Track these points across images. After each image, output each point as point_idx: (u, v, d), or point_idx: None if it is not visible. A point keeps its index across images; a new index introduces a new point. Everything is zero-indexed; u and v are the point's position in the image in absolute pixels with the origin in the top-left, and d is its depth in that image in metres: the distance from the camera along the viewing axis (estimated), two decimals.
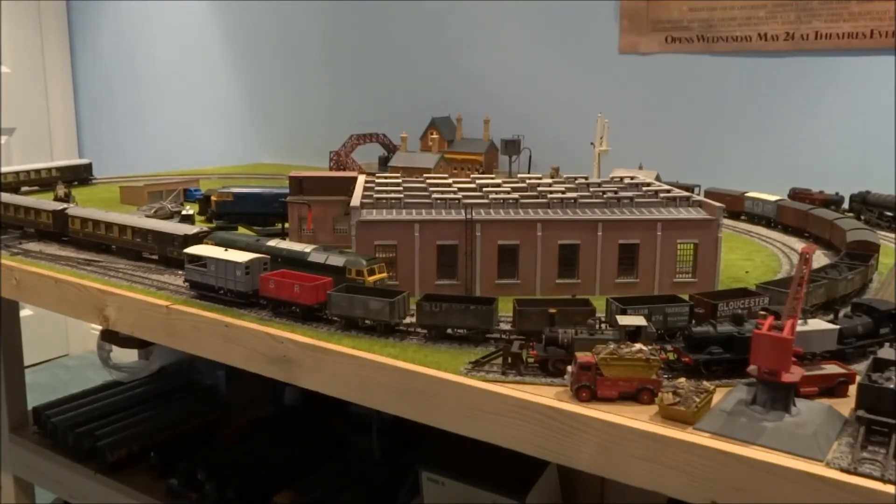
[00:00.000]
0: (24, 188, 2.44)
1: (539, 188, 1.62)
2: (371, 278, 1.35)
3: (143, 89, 4.05)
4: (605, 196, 1.55)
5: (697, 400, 0.96)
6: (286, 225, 1.82)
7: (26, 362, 2.43)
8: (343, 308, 1.28)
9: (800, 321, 1.04)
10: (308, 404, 2.34)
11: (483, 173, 2.24)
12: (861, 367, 1.07)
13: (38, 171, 2.50)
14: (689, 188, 1.87)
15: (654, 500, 1.08)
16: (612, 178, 1.85)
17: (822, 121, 2.33)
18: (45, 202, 1.96)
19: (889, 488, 0.81)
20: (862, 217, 1.96)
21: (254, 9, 3.52)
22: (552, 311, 1.17)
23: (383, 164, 2.57)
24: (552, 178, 1.87)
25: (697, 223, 1.46)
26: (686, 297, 1.25)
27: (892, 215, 1.92)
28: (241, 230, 1.87)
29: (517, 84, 2.82)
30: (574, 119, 2.60)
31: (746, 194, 2.10)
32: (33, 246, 1.85)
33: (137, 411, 2.32)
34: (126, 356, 2.61)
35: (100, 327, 1.69)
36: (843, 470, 0.84)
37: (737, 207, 2.10)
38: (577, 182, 1.73)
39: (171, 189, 2.29)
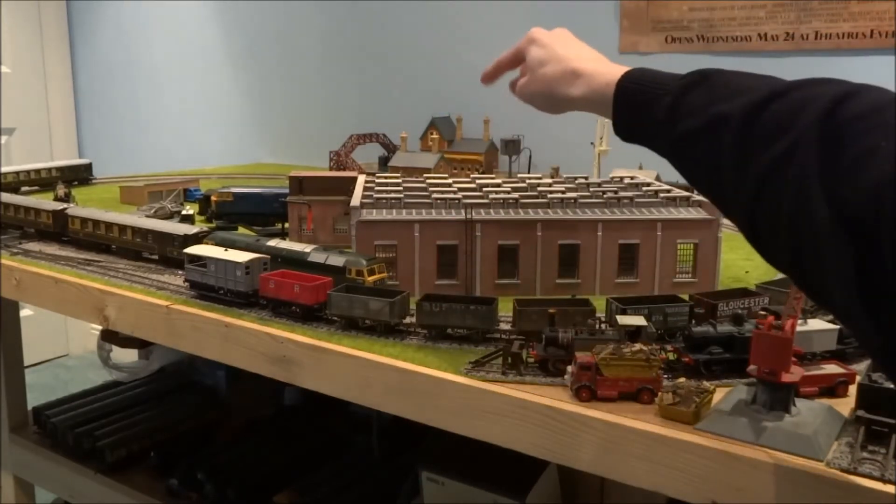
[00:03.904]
0: (24, 188, 2.44)
1: (539, 188, 1.62)
2: (371, 278, 1.35)
3: (144, 89, 4.05)
4: (605, 196, 1.55)
5: (697, 400, 0.96)
6: (286, 225, 1.82)
7: (26, 362, 2.43)
8: (343, 308, 1.28)
9: (800, 321, 1.04)
10: (308, 404, 2.34)
11: (483, 173, 2.24)
12: (861, 367, 1.07)
13: (38, 171, 2.50)
14: (690, 188, 1.87)
15: (654, 500, 1.08)
16: (612, 178, 1.85)
17: None
18: (45, 202, 1.96)
19: (889, 488, 0.81)
20: None
21: (254, 9, 3.52)
22: (552, 311, 1.17)
23: (383, 164, 2.57)
24: (552, 178, 1.87)
25: (697, 223, 1.46)
26: (686, 297, 1.25)
27: None
28: (241, 230, 1.87)
29: None
30: (574, 119, 2.59)
31: None
32: (33, 246, 1.85)
33: (137, 411, 2.32)
34: (126, 356, 2.61)
35: (100, 327, 1.69)
36: (843, 470, 0.84)
37: None
38: (577, 182, 1.73)
39: (171, 189, 2.29)
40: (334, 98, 3.35)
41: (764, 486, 0.86)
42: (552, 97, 1.14)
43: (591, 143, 2.16)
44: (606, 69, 1.03)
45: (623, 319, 1.13)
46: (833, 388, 1.04)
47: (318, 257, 1.41)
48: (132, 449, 2.12)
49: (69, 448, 2.16)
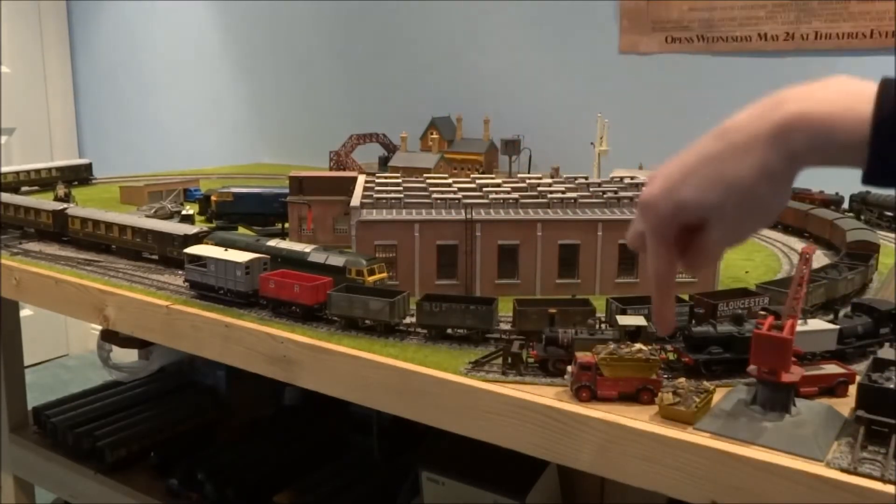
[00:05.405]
0: (24, 188, 2.44)
1: (539, 188, 1.62)
2: (371, 278, 1.35)
3: (143, 89, 4.05)
4: (605, 196, 1.55)
5: (697, 400, 0.96)
6: (286, 225, 1.82)
7: (26, 362, 2.43)
8: (343, 308, 1.28)
9: (800, 321, 1.04)
10: (308, 404, 2.34)
11: (483, 173, 2.24)
12: (861, 367, 1.07)
13: (38, 171, 2.50)
14: None
15: (654, 500, 1.08)
16: (612, 178, 1.85)
17: None
18: (45, 202, 1.96)
19: (889, 488, 0.81)
20: (862, 217, 1.96)
21: (254, 9, 3.52)
22: (552, 311, 1.17)
23: (383, 164, 2.57)
24: (552, 178, 1.87)
25: None
26: (686, 297, 1.25)
27: (892, 215, 1.92)
28: (241, 230, 1.87)
29: (517, 84, 2.81)
30: (574, 119, 2.60)
31: None
32: (33, 246, 1.85)
33: (137, 411, 2.32)
34: (126, 356, 2.61)
35: (100, 327, 1.69)
36: (843, 470, 0.84)
37: None
38: (577, 182, 1.73)
39: (171, 189, 2.29)
40: (334, 98, 3.35)
41: (764, 486, 0.86)
42: (762, 197, 0.76)
43: (591, 144, 2.16)
44: (810, 94, 0.73)
45: (623, 319, 1.13)
46: (833, 388, 1.04)
47: (318, 257, 1.41)
48: (132, 449, 2.12)
49: (69, 448, 2.16)
